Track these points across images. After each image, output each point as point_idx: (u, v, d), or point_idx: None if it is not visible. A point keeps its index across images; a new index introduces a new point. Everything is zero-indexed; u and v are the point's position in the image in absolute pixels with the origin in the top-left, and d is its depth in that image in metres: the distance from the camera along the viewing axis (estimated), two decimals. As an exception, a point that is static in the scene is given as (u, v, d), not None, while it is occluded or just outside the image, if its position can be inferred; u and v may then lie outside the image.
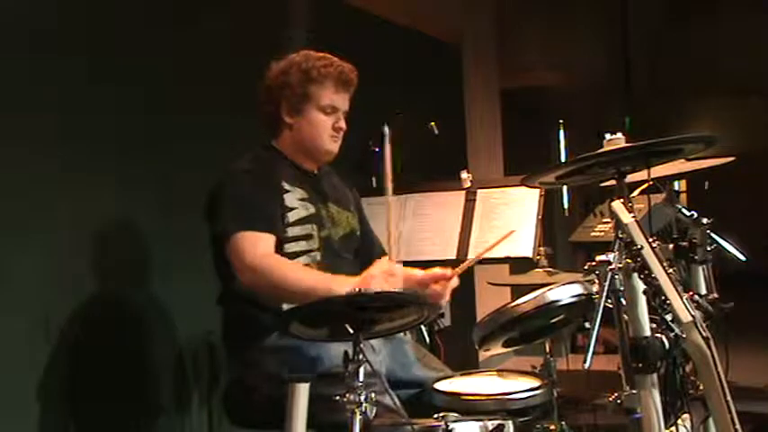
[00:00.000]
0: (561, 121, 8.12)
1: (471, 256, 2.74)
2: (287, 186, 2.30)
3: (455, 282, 2.35)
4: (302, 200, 2.31)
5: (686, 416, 2.01)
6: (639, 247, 1.75)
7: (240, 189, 2.24)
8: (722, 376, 1.72)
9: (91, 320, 2.63)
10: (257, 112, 2.43)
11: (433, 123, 2.97)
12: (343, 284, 2.10)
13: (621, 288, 1.78)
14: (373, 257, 2.41)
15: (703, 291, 2.22)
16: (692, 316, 1.69)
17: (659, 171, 2.05)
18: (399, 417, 2.06)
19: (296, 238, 2.27)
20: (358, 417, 1.73)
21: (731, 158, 2.63)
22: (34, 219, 2.45)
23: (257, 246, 2.16)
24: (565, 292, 2.14)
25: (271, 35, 3.51)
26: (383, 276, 2.16)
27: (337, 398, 1.74)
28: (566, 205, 8.17)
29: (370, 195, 2.98)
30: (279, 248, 2.22)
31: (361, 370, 1.76)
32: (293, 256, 2.25)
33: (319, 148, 2.39)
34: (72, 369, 2.56)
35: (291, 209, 2.28)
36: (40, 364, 2.47)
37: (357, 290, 1.89)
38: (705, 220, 2.23)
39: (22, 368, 2.41)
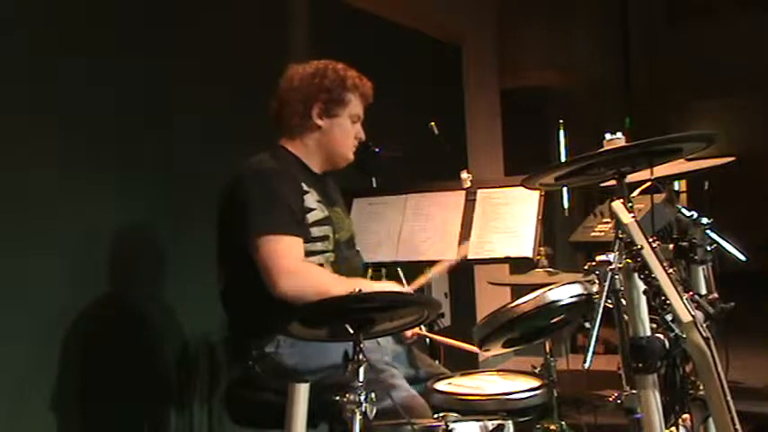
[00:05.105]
0: (561, 121, 8.12)
1: (471, 256, 2.74)
2: (305, 187, 2.31)
3: None
4: (318, 201, 2.32)
5: (686, 416, 2.01)
6: (639, 247, 1.75)
7: (272, 188, 2.23)
8: (722, 376, 1.72)
9: (90, 320, 2.62)
10: (274, 110, 2.41)
11: (432, 123, 2.97)
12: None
13: (621, 288, 1.78)
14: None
15: (703, 291, 2.22)
16: (692, 316, 1.69)
17: (659, 171, 2.05)
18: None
19: (314, 239, 2.28)
20: (358, 417, 1.73)
21: (731, 158, 2.63)
22: (35, 220, 2.45)
23: (294, 250, 2.18)
24: (565, 292, 2.14)
25: (271, 35, 3.52)
26: None
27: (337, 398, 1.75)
28: (566, 205, 8.16)
29: (370, 195, 2.99)
30: None
31: (361, 370, 1.76)
32: (310, 255, 2.26)
33: (343, 154, 2.44)
34: (73, 369, 2.56)
35: (311, 209, 2.29)
36: (42, 364, 2.47)
37: (357, 290, 1.89)
38: (705, 220, 2.24)
39: (24, 367, 2.41)
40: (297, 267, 2.16)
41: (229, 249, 2.31)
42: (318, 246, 2.29)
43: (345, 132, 2.42)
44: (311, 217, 2.28)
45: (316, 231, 2.29)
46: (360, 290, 1.84)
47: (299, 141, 2.41)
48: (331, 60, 2.42)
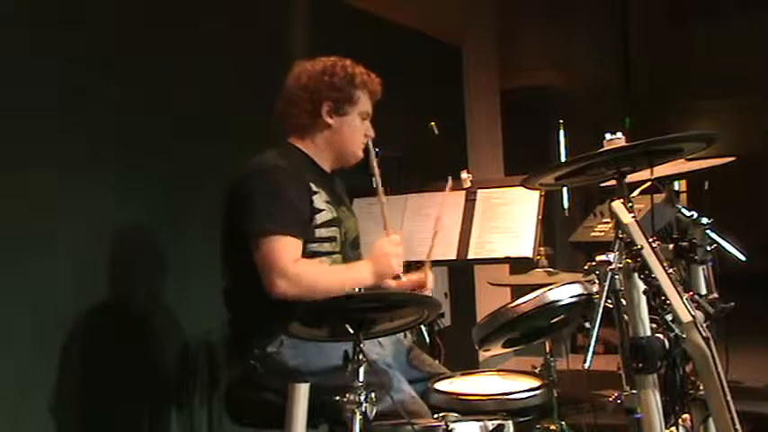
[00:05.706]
0: (561, 121, 8.12)
1: (471, 255, 2.74)
2: (314, 188, 2.29)
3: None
4: (327, 202, 2.31)
5: (686, 416, 2.01)
6: (639, 247, 1.75)
7: (276, 187, 2.21)
8: (722, 376, 1.72)
9: (90, 320, 2.62)
10: (281, 109, 2.40)
11: (432, 123, 2.97)
12: (364, 274, 2.24)
13: (621, 288, 1.79)
14: None
15: (703, 291, 2.22)
16: (692, 316, 1.69)
17: (659, 171, 2.05)
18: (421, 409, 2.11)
19: (321, 240, 2.27)
20: (358, 417, 1.73)
21: (731, 158, 2.64)
22: (35, 220, 2.45)
23: (291, 252, 2.17)
24: (565, 292, 2.14)
25: (271, 35, 3.52)
26: (391, 251, 2.31)
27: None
28: (566, 205, 8.16)
29: (371, 195, 2.99)
30: (303, 248, 2.23)
31: (361, 370, 1.76)
32: (315, 256, 2.25)
33: (353, 152, 2.42)
34: (73, 369, 2.56)
35: (319, 210, 2.28)
36: (42, 364, 2.47)
37: (357, 290, 1.90)
38: (705, 220, 2.24)
39: (24, 367, 2.41)
40: (294, 268, 2.15)
41: (233, 247, 2.29)
42: (326, 246, 2.28)
43: (355, 130, 2.40)
44: (320, 218, 2.27)
45: (324, 232, 2.28)
46: (360, 290, 1.84)
47: (308, 140, 2.39)
48: (338, 57, 2.41)
